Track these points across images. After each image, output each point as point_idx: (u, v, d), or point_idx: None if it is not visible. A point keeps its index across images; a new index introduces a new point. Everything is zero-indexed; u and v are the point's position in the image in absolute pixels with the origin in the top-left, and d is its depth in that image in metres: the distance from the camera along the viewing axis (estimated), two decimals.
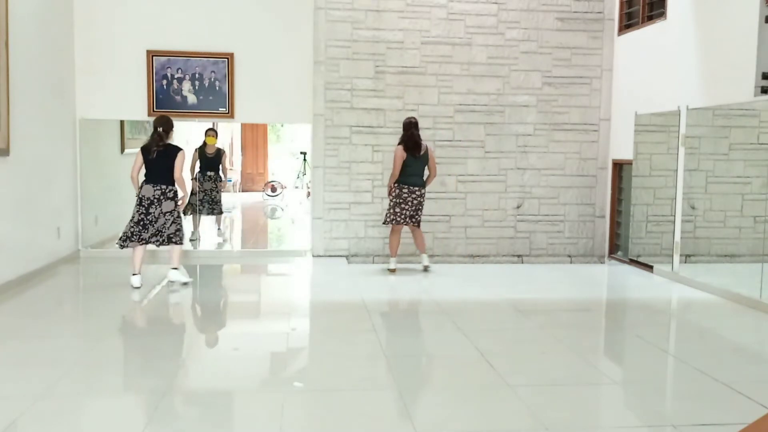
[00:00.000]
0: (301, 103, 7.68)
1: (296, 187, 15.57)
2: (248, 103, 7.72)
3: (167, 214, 6.04)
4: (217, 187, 8.68)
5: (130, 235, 6.00)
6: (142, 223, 6.00)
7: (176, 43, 7.59)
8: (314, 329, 5.28)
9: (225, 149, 16.81)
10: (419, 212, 6.92)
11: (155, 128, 6.00)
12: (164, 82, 7.60)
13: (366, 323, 5.13)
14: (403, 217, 6.86)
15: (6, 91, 5.79)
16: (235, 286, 7.02)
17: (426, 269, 7.10)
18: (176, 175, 6.02)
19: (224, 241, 9.17)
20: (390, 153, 7.69)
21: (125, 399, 3.67)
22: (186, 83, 7.63)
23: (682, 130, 6.66)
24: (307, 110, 7.67)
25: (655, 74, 7.16)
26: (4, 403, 3.42)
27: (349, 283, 6.61)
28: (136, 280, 6.01)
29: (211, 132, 8.65)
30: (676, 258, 6.76)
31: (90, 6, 7.47)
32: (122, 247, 6.07)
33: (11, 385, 3.73)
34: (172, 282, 6.19)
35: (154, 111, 7.60)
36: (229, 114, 7.73)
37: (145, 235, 6.01)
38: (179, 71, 7.61)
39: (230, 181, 10.12)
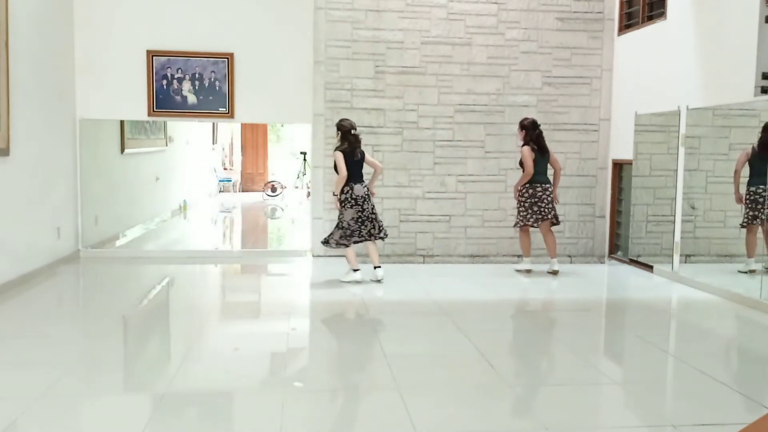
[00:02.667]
0: (301, 103, 7.68)
1: (296, 187, 15.58)
2: (248, 103, 7.71)
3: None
4: None
5: (350, 234, 6.41)
6: (360, 220, 6.42)
7: (176, 43, 7.59)
8: (314, 329, 5.28)
9: (225, 150, 16.85)
10: (555, 209, 6.98)
11: (351, 130, 6.39)
12: (164, 82, 7.60)
13: (366, 323, 5.13)
14: (541, 215, 6.88)
15: (6, 91, 5.79)
16: (235, 286, 7.01)
17: (555, 273, 7.06)
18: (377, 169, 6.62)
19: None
20: (390, 153, 7.69)
21: (125, 399, 3.67)
22: (186, 83, 7.63)
23: (682, 130, 6.66)
24: (307, 110, 7.67)
25: (655, 74, 7.16)
26: (4, 403, 3.42)
27: (349, 283, 6.60)
28: (358, 275, 6.46)
29: None
30: (676, 258, 6.76)
31: (90, 6, 7.47)
32: (338, 245, 6.48)
33: (11, 385, 3.73)
34: (379, 280, 6.53)
35: (154, 111, 7.60)
36: (229, 114, 7.73)
37: (370, 231, 6.49)
38: (179, 71, 7.61)
39: None
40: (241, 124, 15.29)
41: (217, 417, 3.40)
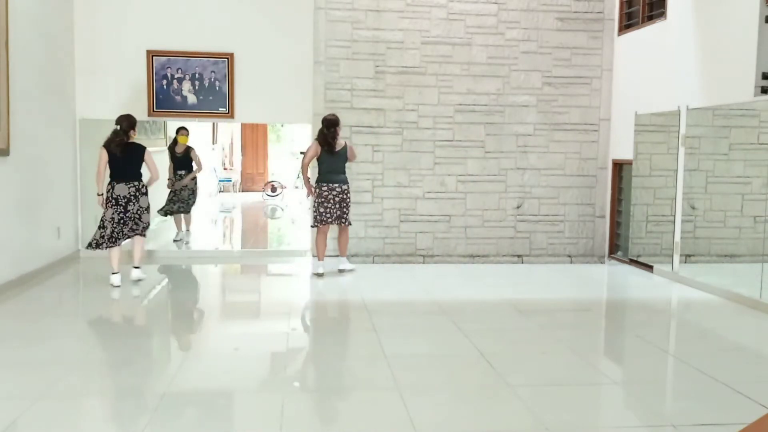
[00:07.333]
0: (301, 103, 7.68)
1: (296, 187, 15.57)
2: (248, 103, 7.71)
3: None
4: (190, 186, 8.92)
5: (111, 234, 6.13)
6: (123, 221, 6.15)
7: (176, 43, 7.59)
8: (314, 329, 5.28)
9: (225, 149, 16.85)
10: (345, 210, 6.84)
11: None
12: (164, 82, 7.59)
13: (366, 323, 5.13)
14: (325, 217, 6.75)
15: (6, 91, 5.79)
16: (235, 286, 7.01)
17: (341, 272, 6.97)
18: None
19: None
20: (390, 153, 7.69)
21: (125, 399, 3.67)
22: (186, 83, 7.63)
23: (682, 130, 6.66)
24: (307, 110, 7.67)
25: (655, 74, 7.16)
26: (4, 403, 3.43)
27: (349, 283, 6.61)
28: (116, 279, 6.11)
29: (183, 131, 8.72)
30: (676, 258, 6.76)
31: (90, 6, 7.46)
32: (98, 247, 6.15)
33: (11, 385, 3.73)
34: (136, 281, 6.27)
35: (154, 111, 7.60)
36: (229, 114, 7.73)
37: (132, 228, 6.22)
38: (179, 71, 7.61)
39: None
40: (241, 124, 15.28)
41: (217, 417, 3.40)
